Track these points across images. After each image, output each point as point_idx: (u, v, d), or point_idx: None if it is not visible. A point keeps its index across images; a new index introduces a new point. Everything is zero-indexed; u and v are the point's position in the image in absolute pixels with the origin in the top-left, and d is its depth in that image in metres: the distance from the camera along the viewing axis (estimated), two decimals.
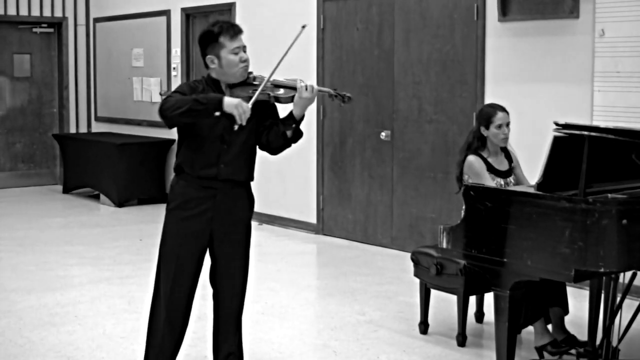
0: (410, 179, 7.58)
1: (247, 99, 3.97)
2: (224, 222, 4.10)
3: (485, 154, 5.07)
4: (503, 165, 5.12)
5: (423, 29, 7.37)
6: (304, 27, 4.18)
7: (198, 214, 4.06)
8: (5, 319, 5.61)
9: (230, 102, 3.87)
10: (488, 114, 5.05)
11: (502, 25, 6.73)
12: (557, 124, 4.12)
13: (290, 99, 4.06)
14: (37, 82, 11.99)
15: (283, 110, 4.09)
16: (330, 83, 8.26)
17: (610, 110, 6.05)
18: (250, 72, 4.14)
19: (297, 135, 4.10)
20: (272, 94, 4.07)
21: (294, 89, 4.06)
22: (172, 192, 4.15)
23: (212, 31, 4.06)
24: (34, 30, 11.84)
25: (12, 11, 11.50)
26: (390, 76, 7.69)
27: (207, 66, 4.13)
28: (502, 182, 5.05)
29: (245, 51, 4.08)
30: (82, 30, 12.05)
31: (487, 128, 5.04)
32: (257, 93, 3.99)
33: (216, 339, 4.26)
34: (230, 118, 3.90)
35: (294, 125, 4.04)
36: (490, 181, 4.97)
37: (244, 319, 5.31)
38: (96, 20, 11.89)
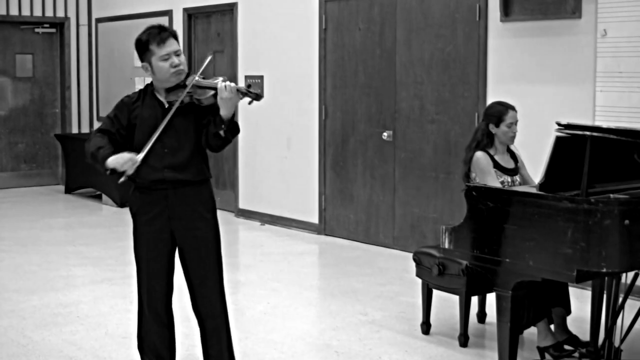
0: (412, 179, 7.58)
1: (180, 102, 4.00)
2: (182, 219, 4.08)
3: (492, 152, 5.09)
4: (509, 164, 5.14)
5: (425, 28, 7.37)
6: (212, 54, 4.17)
7: (156, 215, 4.09)
8: (7, 319, 5.62)
9: (111, 161, 3.93)
10: (499, 112, 5.06)
11: (504, 25, 6.72)
12: (559, 124, 4.13)
13: (213, 99, 4.00)
14: (39, 82, 12.00)
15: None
16: (333, 83, 8.26)
17: (612, 110, 6.05)
18: (188, 74, 4.11)
19: (233, 131, 4.03)
20: (195, 97, 4.03)
21: (214, 89, 3.99)
22: (130, 199, 4.22)
23: (140, 39, 4.04)
24: (36, 30, 11.85)
25: (14, 11, 11.51)
26: (392, 76, 7.69)
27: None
28: (510, 180, 5.06)
29: (178, 54, 4.04)
30: (84, 31, 12.06)
31: (497, 126, 5.06)
32: (165, 120, 4.00)
33: (205, 347, 4.22)
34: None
35: (223, 126, 3.96)
36: (496, 179, 4.98)
37: (246, 320, 5.32)
38: (98, 20, 11.90)
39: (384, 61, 7.75)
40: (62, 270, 7.02)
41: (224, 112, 3.95)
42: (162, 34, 4.02)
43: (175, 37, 4.07)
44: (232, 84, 3.95)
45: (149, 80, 4.23)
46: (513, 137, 5.09)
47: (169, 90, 4.08)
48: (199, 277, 4.13)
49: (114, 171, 3.94)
